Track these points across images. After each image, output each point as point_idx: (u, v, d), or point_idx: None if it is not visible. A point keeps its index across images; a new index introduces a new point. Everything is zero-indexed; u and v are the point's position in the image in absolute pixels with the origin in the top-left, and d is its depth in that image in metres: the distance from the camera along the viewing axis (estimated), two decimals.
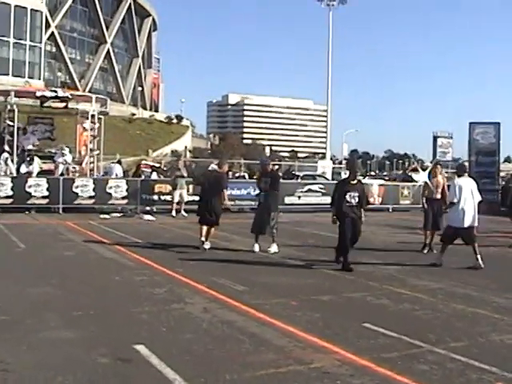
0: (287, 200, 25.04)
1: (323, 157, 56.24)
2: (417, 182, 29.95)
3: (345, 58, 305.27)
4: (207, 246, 14.12)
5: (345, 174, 66.14)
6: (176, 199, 23.02)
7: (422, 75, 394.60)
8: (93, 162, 27.39)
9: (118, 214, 22.66)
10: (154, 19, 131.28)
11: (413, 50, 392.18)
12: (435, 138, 41.11)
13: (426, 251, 14.44)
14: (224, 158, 17.77)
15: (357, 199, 11.62)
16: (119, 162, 27.35)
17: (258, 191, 15.17)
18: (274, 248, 13.99)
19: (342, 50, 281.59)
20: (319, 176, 40.06)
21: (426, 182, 14.83)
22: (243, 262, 12.51)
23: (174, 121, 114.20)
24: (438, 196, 14.68)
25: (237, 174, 30.59)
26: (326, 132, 51.04)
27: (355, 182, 11.97)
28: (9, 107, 25.84)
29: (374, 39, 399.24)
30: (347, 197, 11.54)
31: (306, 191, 27.01)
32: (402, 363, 6.19)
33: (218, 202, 14.39)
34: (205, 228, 14.26)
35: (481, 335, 7.35)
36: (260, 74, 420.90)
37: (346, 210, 11.52)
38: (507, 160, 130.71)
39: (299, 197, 26.66)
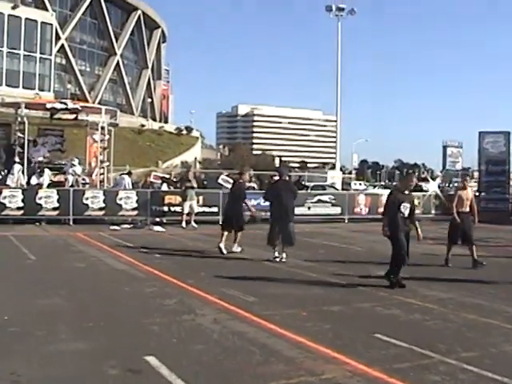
0: (297, 210, 24.85)
1: (333, 167, 56.18)
2: (427, 191, 30.04)
3: (354, 67, 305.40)
4: (238, 249, 15.26)
5: (354, 185, 65.85)
6: (186, 210, 23.05)
7: (432, 84, 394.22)
8: (103, 174, 27.47)
9: (128, 226, 22.71)
10: (163, 31, 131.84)
11: (422, 59, 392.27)
12: (445, 148, 41.02)
13: (450, 264, 13.92)
14: (244, 169, 18.64)
15: (408, 211, 11.02)
16: (129, 174, 27.39)
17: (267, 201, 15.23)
18: (284, 257, 14.17)
19: (351, 60, 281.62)
20: (329, 186, 40.02)
21: (459, 195, 14.30)
22: (253, 273, 12.48)
23: (184, 132, 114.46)
24: (468, 209, 14.18)
25: (249, 185, 30.45)
26: (335, 142, 50.91)
27: (408, 192, 11.37)
28: (19, 119, 25.96)
29: (383, 49, 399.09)
30: (401, 208, 10.92)
31: (315, 202, 26.96)
32: (413, 374, 6.16)
33: (240, 210, 15.56)
34: (225, 234, 15.34)
35: (493, 346, 7.30)
36: (269, 85, 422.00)
37: (400, 222, 10.92)
38: None
39: (309, 207, 26.62)
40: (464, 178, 15.22)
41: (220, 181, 27.78)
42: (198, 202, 23.85)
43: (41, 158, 26.91)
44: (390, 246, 11.09)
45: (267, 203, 15.38)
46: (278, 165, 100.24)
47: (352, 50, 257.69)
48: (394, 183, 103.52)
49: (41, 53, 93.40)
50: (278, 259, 14.10)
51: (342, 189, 43.62)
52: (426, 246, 16.91)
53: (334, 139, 56.56)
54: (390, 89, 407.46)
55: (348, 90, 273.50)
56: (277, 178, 15.69)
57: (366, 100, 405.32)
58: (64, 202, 22.50)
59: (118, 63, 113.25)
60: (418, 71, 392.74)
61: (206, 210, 24.43)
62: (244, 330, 7.79)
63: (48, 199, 22.41)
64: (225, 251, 15.15)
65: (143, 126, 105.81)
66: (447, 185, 43.76)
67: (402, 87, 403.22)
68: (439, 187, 34.19)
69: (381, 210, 27.85)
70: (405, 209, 10.94)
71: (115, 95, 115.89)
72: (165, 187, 26.39)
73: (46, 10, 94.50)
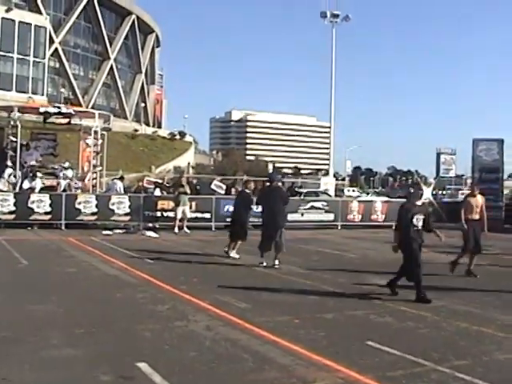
0: (290, 217, 24.95)
1: (326, 173, 56.26)
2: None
3: (349, 74, 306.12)
4: (236, 256, 15.47)
5: (347, 191, 65.75)
6: (179, 216, 23.02)
7: (427, 90, 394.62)
8: (95, 178, 27.44)
9: (121, 231, 22.67)
10: (157, 35, 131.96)
11: (416, 67, 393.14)
12: (438, 155, 41.16)
13: (453, 273, 13.54)
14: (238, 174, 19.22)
15: (421, 222, 10.68)
16: (122, 179, 27.36)
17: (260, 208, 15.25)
18: (277, 263, 14.24)
19: (346, 66, 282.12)
20: (322, 193, 40.09)
21: (468, 201, 13.98)
22: (246, 279, 12.50)
23: (177, 137, 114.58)
24: (477, 216, 13.86)
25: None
26: (329, 148, 50.99)
27: (420, 203, 11.05)
28: (12, 123, 25.95)
29: (378, 55, 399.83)
30: (414, 220, 10.62)
31: (308, 208, 26.99)
32: (406, 382, 6.17)
33: (243, 220, 15.80)
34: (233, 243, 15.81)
35: (485, 354, 7.32)
36: (263, 91, 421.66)
37: (414, 236, 10.62)
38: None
39: (302, 214, 26.64)
40: (473, 185, 14.94)
41: (213, 186, 27.78)
42: (190, 207, 23.83)
43: (33, 162, 26.85)
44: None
45: (259, 210, 15.43)
46: (271, 171, 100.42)
47: (347, 55, 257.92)
48: (386, 189, 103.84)
49: (34, 56, 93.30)
50: (262, 264, 14.23)
51: (335, 195, 43.72)
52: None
53: (327, 145, 56.66)
54: (384, 95, 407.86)
55: (342, 96, 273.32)
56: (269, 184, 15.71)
57: (360, 106, 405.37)
58: (56, 207, 22.47)
59: (111, 67, 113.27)
60: (412, 78, 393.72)
61: (199, 215, 24.43)
62: (237, 336, 7.79)
63: (40, 203, 22.37)
64: (236, 256, 15.67)
65: (136, 130, 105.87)
66: (440, 192, 43.84)
67: (396, 94, 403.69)
68: (432, 194, 34.27)
69: (374, 216, 28.15)
70: (418, 221, 10.65)
71: (109, 100, 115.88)
72: (158, 192, 26.38)
73: (40, 13, 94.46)
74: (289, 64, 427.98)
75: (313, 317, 9.09)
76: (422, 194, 11.34)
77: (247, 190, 16.38)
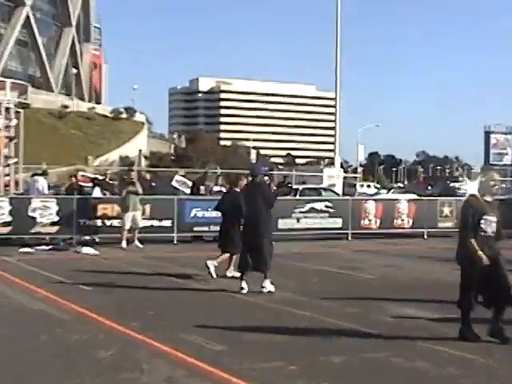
0: (281, 224, 25.05)
1: (331, 163, 56.43)
2: (463, 195, 30.16)
3: (359, 30, 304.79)
4: (213, 271, 15.92)
5: (361, 187, 65.71)
6: (127, 225, 22.93)
7: (464, 46, 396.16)
8: (9, 175, 27.30)
9: (46, 247, 22.57)
10: None
11: (450, 14, 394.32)
12: (487, 134, 41.33)
13: None
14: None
15: (494, 226, 10.28)
16: (45, 174, 27.25)
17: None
18: (268, 286, 14.30)
19: (354, 21, 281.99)
20: (326, 190, 40.13)
21: None
22: (222, 311, 12.53)
23: (124, 115, 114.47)
24: None
25: (217, 189, 29.98)
26: (334, 128, 51.05)
27: (491, 199, 10.54)
28: None
29: (394, 17, 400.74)
30: (482, 223, 10.16)
31: (307, 211, 27.00)
32: None
33: (229, 226, 16.23)
34: (232, 256, 16.20)
35: None
36: (241, 52, 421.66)
37: (481, 244, 10.07)
38: None
39: (298, 219, 26.65)
40: None
41: (174, 183, 27.72)
42: (143, 213, 23.76)
43: None
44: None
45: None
46: (254, 160, 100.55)
47: (355, 5, 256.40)
48: (400, 185, 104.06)
49: None
50: (243, 291, 14.31)
51: (344, 193, 43.78)
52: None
53: (331, 124, 56.80)
54: (407, 56, 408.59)
55: (351, 58, 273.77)
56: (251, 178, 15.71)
57: (376, 72, 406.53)
58: None
59: (27, 18, 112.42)
60: (445, 31, 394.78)
61: (155, 223, 24.36)
62: None
63: None
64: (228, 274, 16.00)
65: (66, 107, 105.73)
66: None
67: (424, 56, 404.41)
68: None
69: (398, 222, 28.20)
70: (487, 224, 10.23)
71: (25, 64, 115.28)
72: (97, 193, 26.31)
73: None
74: (278, 14, 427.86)
75: (314, 361, 9.10)
76: (493, 185, 10.77)
77: (237, 189, 16.52)
